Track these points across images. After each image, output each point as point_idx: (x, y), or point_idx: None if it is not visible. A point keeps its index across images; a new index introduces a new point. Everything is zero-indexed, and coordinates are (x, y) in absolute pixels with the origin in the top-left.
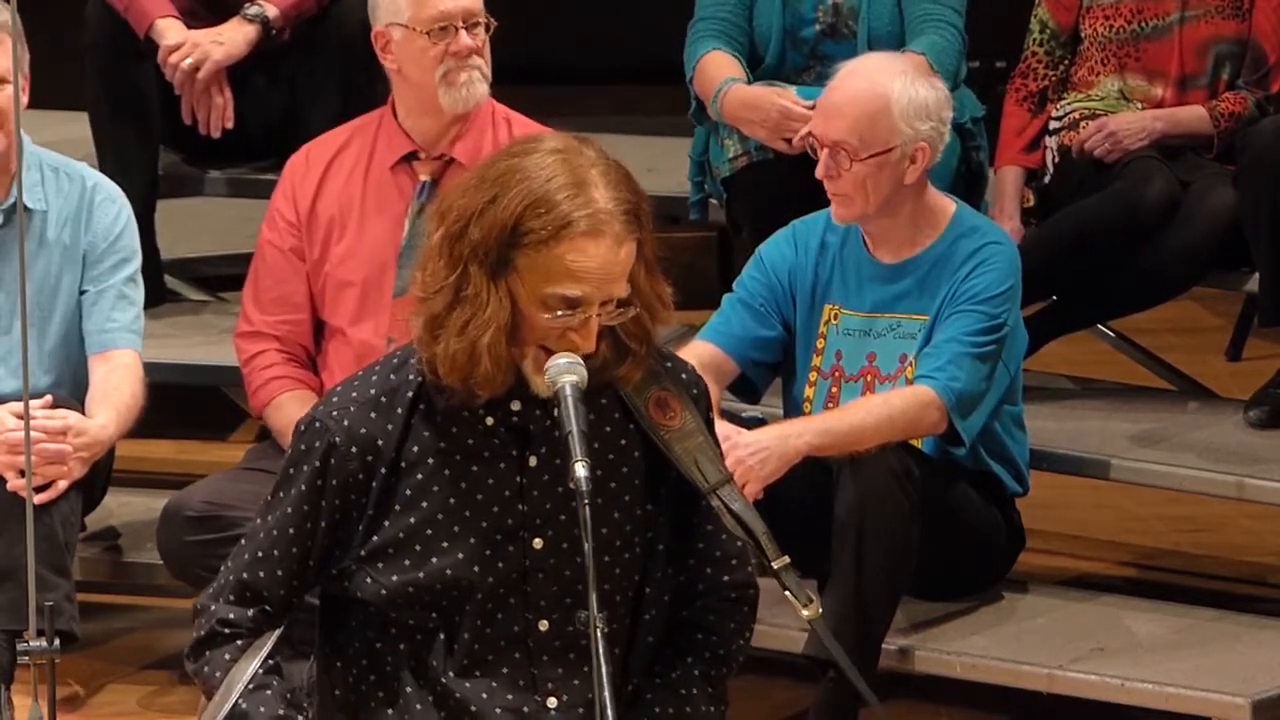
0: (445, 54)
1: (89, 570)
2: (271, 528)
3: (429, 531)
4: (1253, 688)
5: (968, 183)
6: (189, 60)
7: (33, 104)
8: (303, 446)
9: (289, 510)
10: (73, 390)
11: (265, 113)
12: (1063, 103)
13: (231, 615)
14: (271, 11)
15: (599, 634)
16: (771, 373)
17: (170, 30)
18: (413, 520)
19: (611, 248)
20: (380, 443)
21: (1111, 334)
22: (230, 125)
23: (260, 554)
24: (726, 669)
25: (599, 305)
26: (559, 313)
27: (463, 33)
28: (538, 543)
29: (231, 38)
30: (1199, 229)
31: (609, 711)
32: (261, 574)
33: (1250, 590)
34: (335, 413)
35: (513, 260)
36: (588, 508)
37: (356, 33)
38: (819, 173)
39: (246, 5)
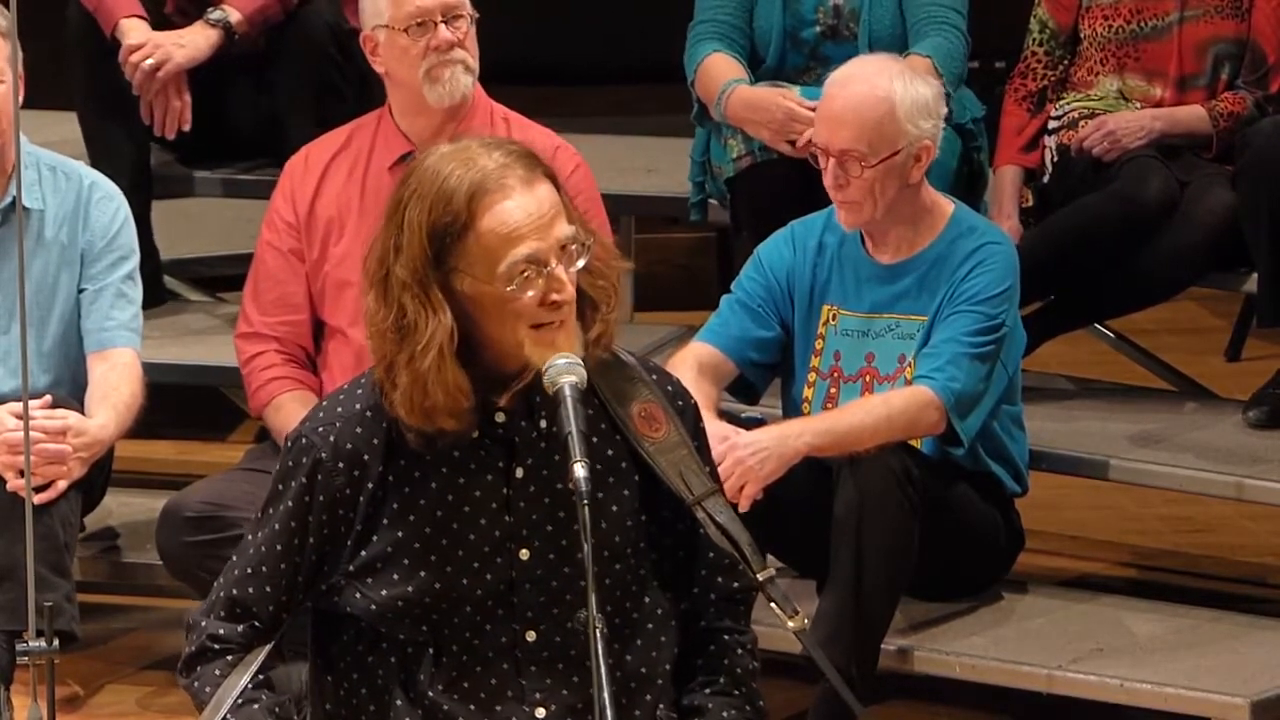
0: (426, 50)
1: (89, 570)
2: (261, 544)
3: (416, 545)
4: (1252, 688)
5: (968, 183)
6: (150, 60)
7: (32, 104)
8: (290, 463)
9: (277, 527)
10: (72, 390)
11: (252, 114)
12: (1062, 102)
13: (222, 631)
14: (234, 16)
15: (598, 634)
16: (770, 373)
17: (133, 30)
18: (400, 534)
19: (525, 193)
20: (366, 458)
21: (1111, 334)
22: (186, 128)
23: (250, 570)
24: (756, 663)
25: (556, 253)
26: (525, 275)
27: (442, 27)
28: (524, 554)
29: (193, 41)
30: (1197, 229)
31: (608, 712)
32: (251, 590)
33: (1250, 590)
34: (321, 428)
35: (448, 264)
36: (586, 509)
37: (324, 34)
38: (827, 182)
39: (210, 10)
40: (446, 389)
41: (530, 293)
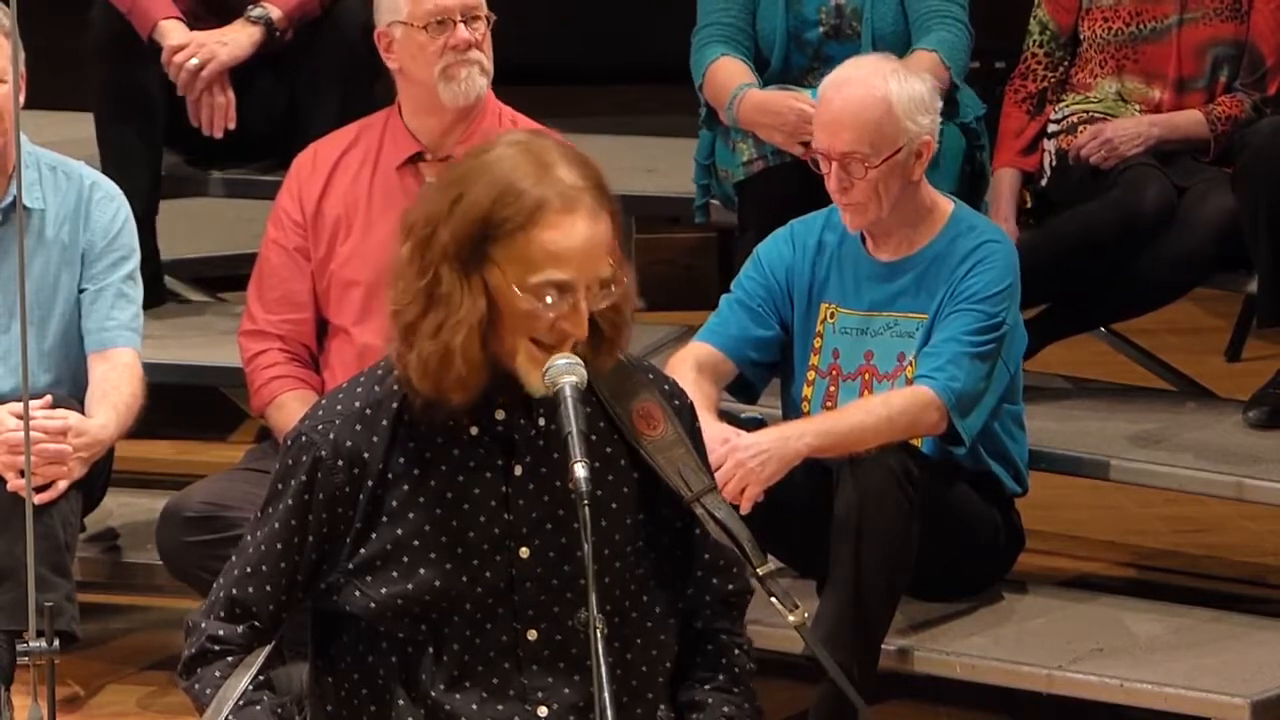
0: (444, 49)
1: (89, 570)
2: (260, 543)
3: (416, 543)
4: (1252, 688)
5: (970, 182)
6: (194, 60)
7: (34, 105)
8: (289, 461)
9: (276, 526)
10: (72, 390)
11: (267, 113)
12: (1061, 105)
13: (221, 632)
14: (275, 13)
15: (598, 634)
16: (770, 373)
17: (174, 31)
18: (399, 532)
19: (588, 223)
20: (366, 455)
21: (1110, 334)
22: (233, 125)
23: (249, 570)
24: (753, 664)
25: (586, 288)
26: (549, 299)
27: (460, 26)
28: (524, 552)
29: (235, 39)
30: (1196, 234)
31: (608, 712)
32: (251, 590)
33: (1250, 590)
34: (320, 426)
35: (488, 253)
36: (587, 508)
37: (356, 33)
38: (831, 186)
39: (250, 7)
40: (472, 365)
41: (550, 314)
